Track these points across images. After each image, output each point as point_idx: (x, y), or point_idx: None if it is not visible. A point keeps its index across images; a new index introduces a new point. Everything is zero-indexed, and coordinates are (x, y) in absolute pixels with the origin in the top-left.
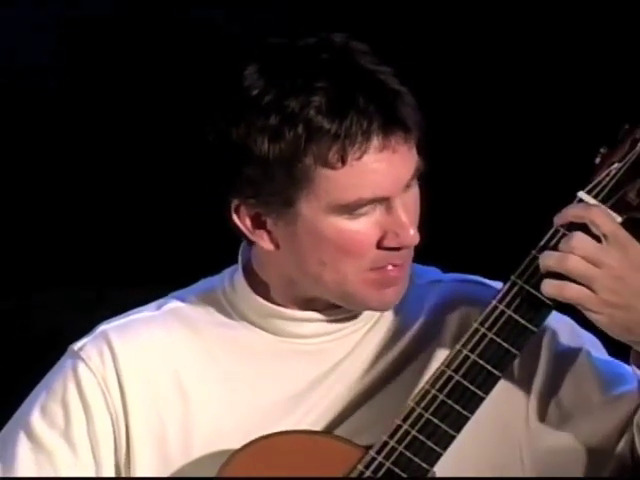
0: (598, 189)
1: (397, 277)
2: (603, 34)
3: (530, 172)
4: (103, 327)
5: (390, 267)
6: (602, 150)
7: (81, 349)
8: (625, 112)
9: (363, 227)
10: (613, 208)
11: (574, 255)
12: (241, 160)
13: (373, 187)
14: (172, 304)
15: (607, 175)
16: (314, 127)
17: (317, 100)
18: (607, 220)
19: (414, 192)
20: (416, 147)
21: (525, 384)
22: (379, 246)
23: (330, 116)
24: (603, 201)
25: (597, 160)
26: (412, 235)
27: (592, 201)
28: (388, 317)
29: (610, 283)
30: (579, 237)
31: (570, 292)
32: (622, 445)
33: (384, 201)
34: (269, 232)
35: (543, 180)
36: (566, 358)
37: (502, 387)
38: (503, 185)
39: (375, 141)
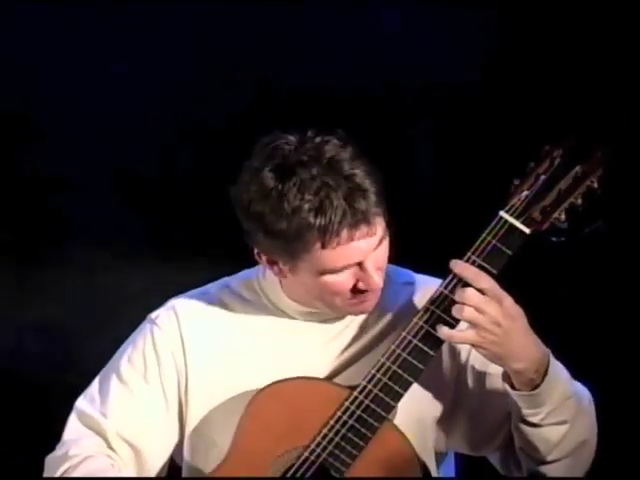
0: (512, 209)
1: (369, 299)
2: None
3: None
4: (173, 301)
5: (364, 298)
6: (515, 182)
7: (157, 317)
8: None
9: (342, 279)
10: (523, 223)
11: (467, 306)
12: (257, 229)
13: (346, 260)
14: (222, 287)
15: (518, 200)
16: (304, 222)
17: (307, 206)
18: (486, 280)
19: (382, 249)
20: (383, 218)
21: (457, 364)
22: (353, 289)
23: (315, 215)
24: (517, 218)
25: (512, 188)
26: (377, 283)
27: (510, 219)
28: (376, 303)
29: (490, 327)
30: (471, 292)
31: (463, 336)
32: (509, 427)
33: (357, 263)
34: (281, 269)
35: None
36: (479, 358)
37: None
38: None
39: (344, 235)
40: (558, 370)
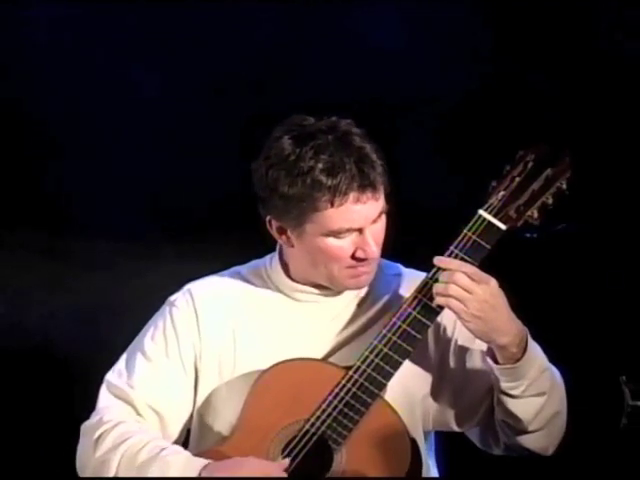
0: (490, 208)
1: (365, 272)
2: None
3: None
4: (189, 286)
5: (360, 268)
6: (493, 183)
7: (175, 300)
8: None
9: (343, 244)
10: (500, 220)
11: (455, 285)
12: (272, 194)
13: (350, 222)
14: (233, 274)
15: (496, 199)
16: (316, 181)
17: (321, 165)
18: (470, 267)
19: (381, 223)
20: (384, 195)
21: (441, 346)
22: (352, 256)
23: (327, 175)
24: (494, 215)
25: (490, 189)
26: (374, 251)
27: (488, 216)
28: (367, 293)
29: (477, 304)
30: (460, 274)
31: (452, 304)
32: (488, 402)
33: (358, 229)
34: (288, 237)
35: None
36: (467, 337)
37: (426, 347)
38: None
39: (351, 196)
40: (535, 345)
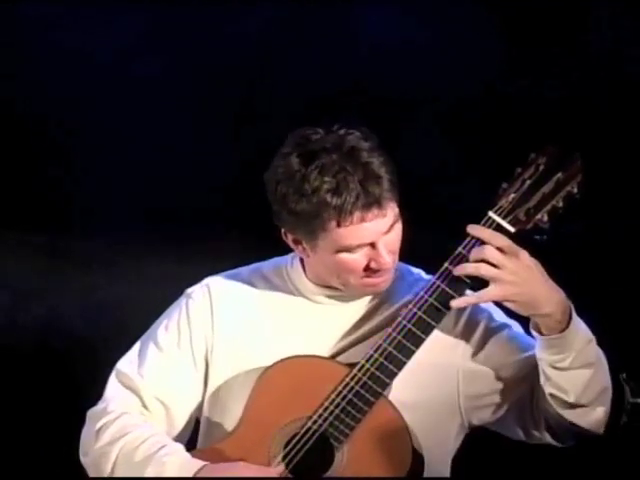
0: (500, 210)
1: (381, 281)
2: None
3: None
4: (208, 280)
5: (375, 278)
6: (503, 185)
7: (192, 292)
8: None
9: (356, 258)
10: (510, 223)
11: (484, 264)
12: (282, 209)
13: (359, 239)
14: (254, 271)
15: (506, 201)
16: (322, 202)
17: (326, 186)
18: (502, 239)
19: (394, 233)
20: (396, 204)
21: (464, 342)
22: (367, 268)
23: (332, 195)
24: (504, 217)
25: (500, 191)
26: (387, 262)
27: (498, 219)
28: (385, 298)
29: (510, 278)
30: (489, 249)
31: (487, 293)
32: (525, 391)
33: (370, 244)
34: (304, 248)
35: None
36: (495, 328)
37: (445, 341)
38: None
39: (356, 215)
40: (578, 318)
